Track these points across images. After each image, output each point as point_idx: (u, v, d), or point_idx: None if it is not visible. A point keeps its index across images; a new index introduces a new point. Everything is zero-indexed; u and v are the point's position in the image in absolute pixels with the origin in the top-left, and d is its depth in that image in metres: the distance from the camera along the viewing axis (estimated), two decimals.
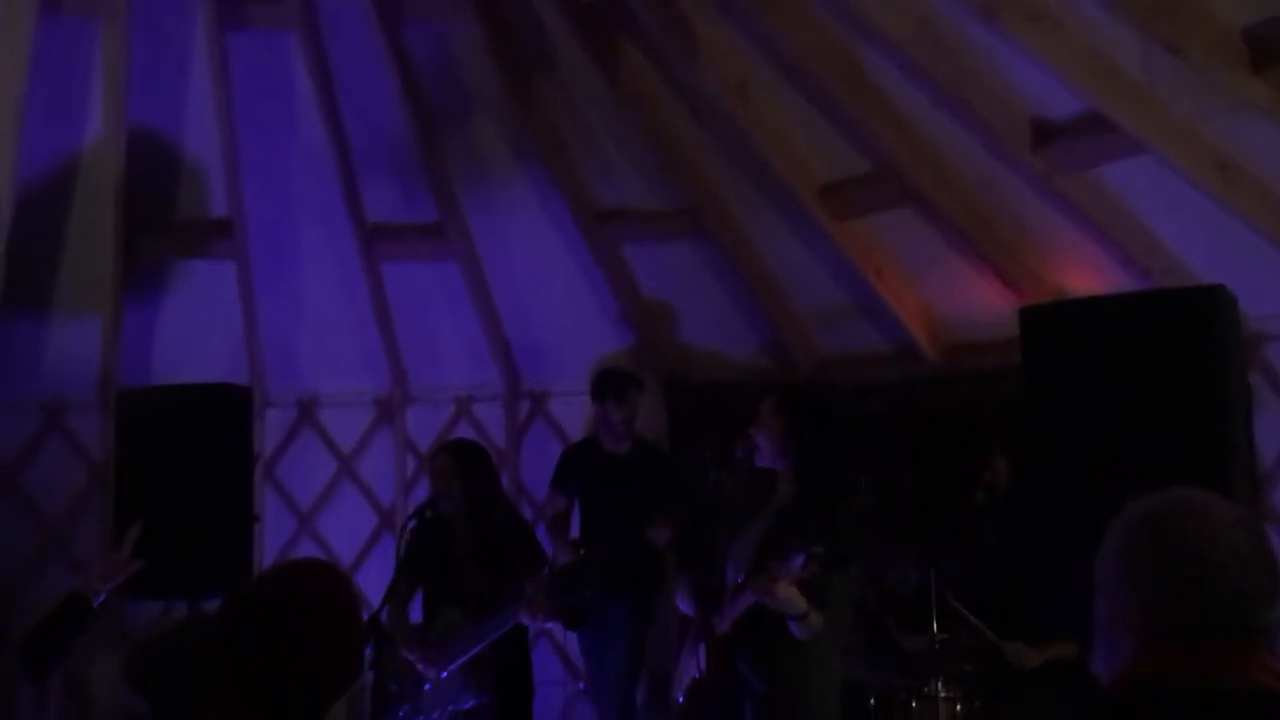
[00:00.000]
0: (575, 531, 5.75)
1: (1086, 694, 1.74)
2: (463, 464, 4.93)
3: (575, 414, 6.53)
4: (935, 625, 4.86)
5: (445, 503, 4.83)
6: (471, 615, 4.74)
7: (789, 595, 3.68)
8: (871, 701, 4.97)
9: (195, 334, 6.44)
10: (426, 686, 4.74)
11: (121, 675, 2.67)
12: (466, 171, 6.26)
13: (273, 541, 6.48)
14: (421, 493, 6.31)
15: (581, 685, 6.12)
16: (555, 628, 5.57)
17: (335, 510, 6.73)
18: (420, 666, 4.76)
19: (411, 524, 4.63)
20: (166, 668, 2.52)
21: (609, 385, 5.61)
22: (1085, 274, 5.31)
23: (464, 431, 6.71)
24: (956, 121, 5.14)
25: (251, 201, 6.22)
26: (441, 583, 4.88)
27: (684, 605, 3.93)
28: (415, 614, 5.11)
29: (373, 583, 5.51)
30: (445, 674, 4.73)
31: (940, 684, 4.77)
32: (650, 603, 5.69)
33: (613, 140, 6.14)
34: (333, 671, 2.06)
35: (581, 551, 5.29)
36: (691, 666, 4.05)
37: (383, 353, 6.67)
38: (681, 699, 4.10)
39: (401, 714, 4.75)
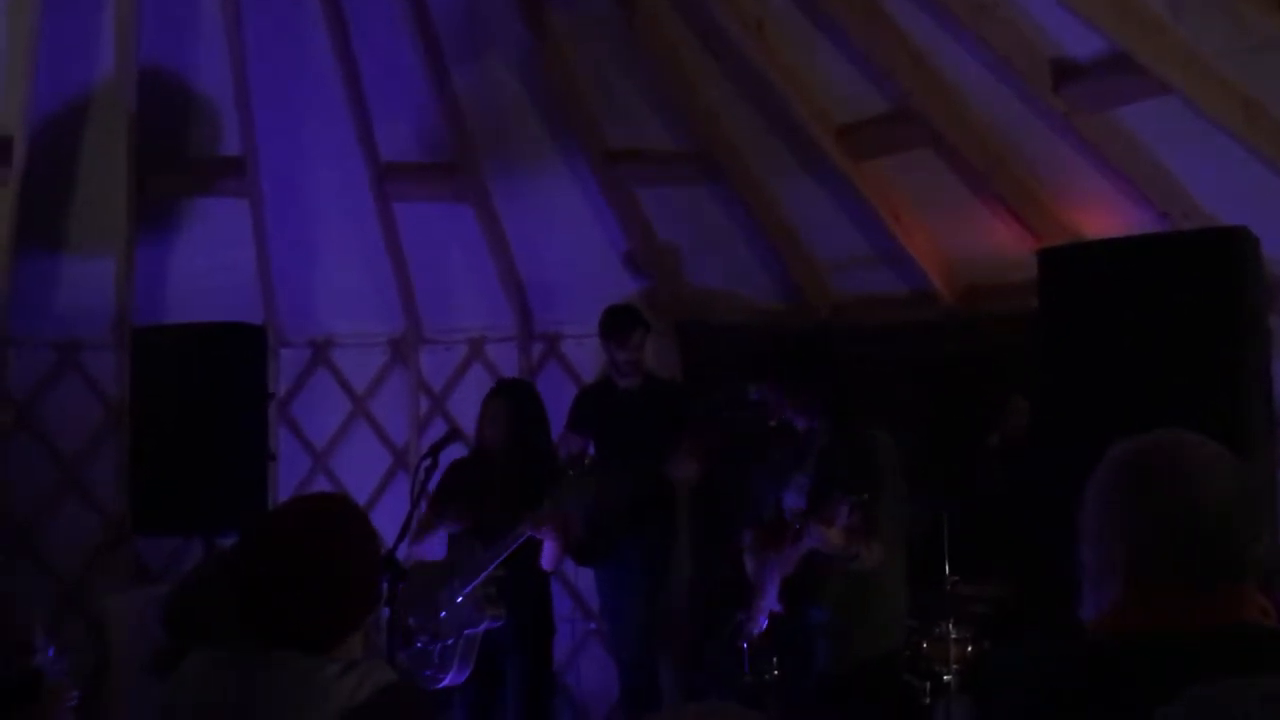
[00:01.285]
0: None
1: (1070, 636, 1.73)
2: (516, 403, 5.04)
3: (588, 356, 6.52)
4: (947, 567, 4.87)
5: (491, 438, 4.89)
6: (489, 546, 4.83)
7: (837, 541, 3.78)
8: None
9: (208, 273, 6.43)
10: (443, 614, 4.82)
11: (159, 621, 2.69)
12: (480, 110, 6.21)
13: (287, 480, 6.51)
14: (434, 432, 6.33)
15: (593, 625, 6.17)
16: (566, 565, 5.59)
17: (349, 449, 6.77)
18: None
19: (425, 462, 4.66)
20: (192, 605, 2.53)
21: (611, 326, 5.65)
22: (1103, 217, 5.25)
23: (477, 373, 6.72)
24: (976, 61, 5.06)
25: (264, 139, 6.18)
26: (471, 517, 4.96)
27: (816, 538, 3.95)
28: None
29: (387, 521, 5.51)
30: (460, 598, 4.81)
31: (951, 625, 4.79)
32: (666, 546, 5.71)
33: (627, 80, 6.07)
34: (349, 603, 2.07)
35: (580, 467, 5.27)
36: (768, 602, 4.13)
37: (396, 293, 6.66)
38: (756, 631, 4.18)
39: (420, 644, 4.84)
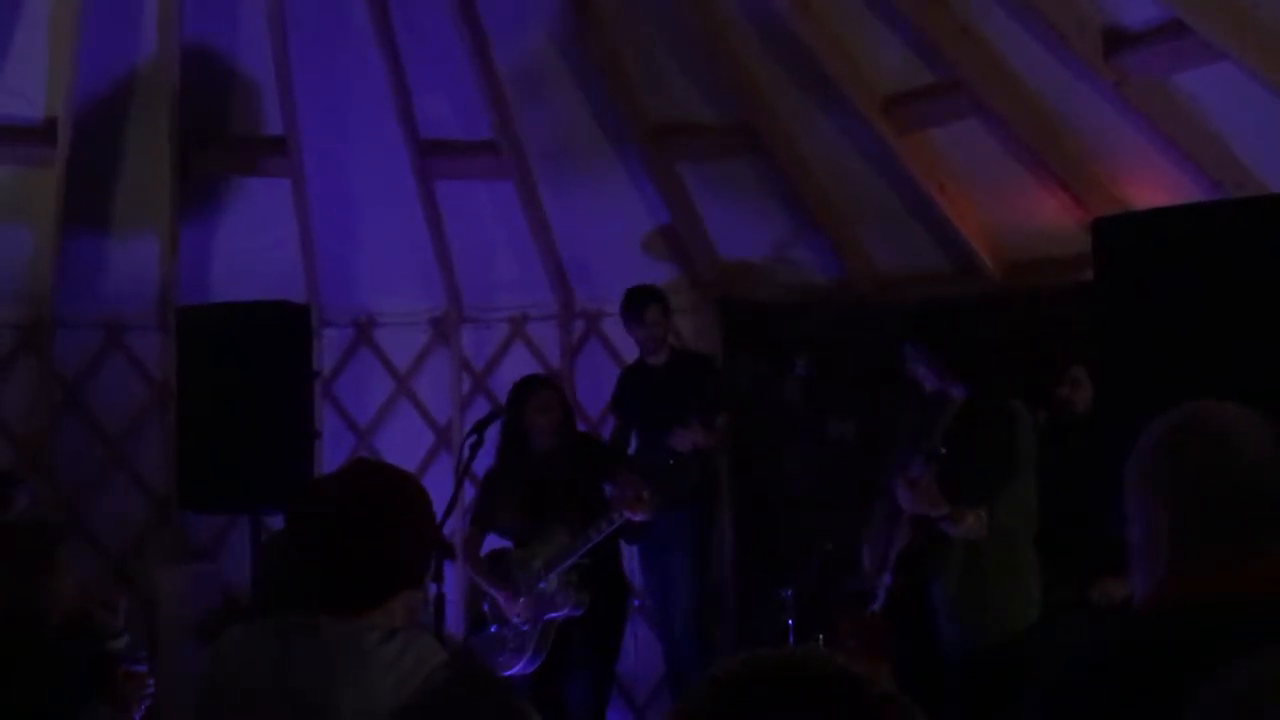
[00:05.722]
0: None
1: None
2: (560, 393, 5.19)
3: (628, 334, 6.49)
4: None
5: (547, 426, 4.95)
6: (576, 531, 4.86)
7: (921, 499, 3.71)
8: None
9: (252, 252, 6.45)
10: (522, 599, 4.83)
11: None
12: (522, 87, 6.18)
13: (331, 459, 6.52)
14: (476, 411, 6.33)
15: (637, 602, 6.15)
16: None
17: (392, 428, 6.78)
18: (502, 601, 4.88)
19: (471, 439, 4.66)
20: (272, 569, 2.57)
21: (627, 305, 5.66)
22: (1154, 187, 5.16)
23: (518, 351, 6.71)
24: (1025, 29, 4.98)
25: (305, 118, 6.18)
26: (538, 508, 4.96)
27: (904, 500, 3.89)
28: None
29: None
30: (543, 584, 4.82)
31: None
32: (709, 515, 5.69)
33: (670, 53, 6.02)
34: (396, 561, 2.07)
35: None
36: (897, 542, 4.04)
37: (437, 271, 6.65)
38: (876, 607, 4.12)
39: (493, 630, 4.86)
